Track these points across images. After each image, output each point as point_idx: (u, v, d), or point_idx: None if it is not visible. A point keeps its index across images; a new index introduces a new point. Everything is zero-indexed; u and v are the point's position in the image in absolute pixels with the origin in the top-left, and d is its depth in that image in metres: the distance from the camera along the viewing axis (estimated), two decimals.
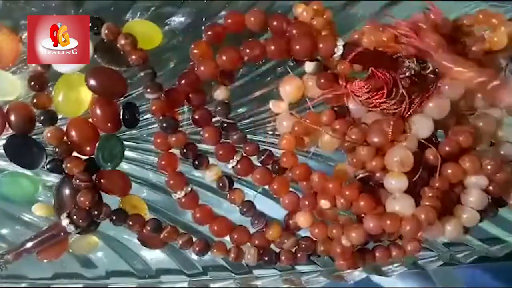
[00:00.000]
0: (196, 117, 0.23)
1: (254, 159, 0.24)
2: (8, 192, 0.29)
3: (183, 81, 0.22)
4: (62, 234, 0.24)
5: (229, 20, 0.23)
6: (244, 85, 0.29)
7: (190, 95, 0.23)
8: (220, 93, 0.23)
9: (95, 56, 0.23)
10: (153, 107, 0.22)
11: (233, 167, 0.23)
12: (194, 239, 0.24)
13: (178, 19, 0.27)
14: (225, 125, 0.23)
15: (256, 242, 0.24)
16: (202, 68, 0.22)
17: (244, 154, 0.24)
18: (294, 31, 0.22)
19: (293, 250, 0.24)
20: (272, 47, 0.22)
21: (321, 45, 0.22)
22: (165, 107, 0.22)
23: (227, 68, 0.23)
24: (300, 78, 0.24)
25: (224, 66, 0.22)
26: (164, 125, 0.22)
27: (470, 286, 0.35)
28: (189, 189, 0.23)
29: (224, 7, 0.27)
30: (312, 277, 0.29)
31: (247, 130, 0.31)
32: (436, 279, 0.35)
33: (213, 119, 0.23)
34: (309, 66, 0.24)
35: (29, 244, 0.24)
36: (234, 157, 0.23)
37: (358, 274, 0.29)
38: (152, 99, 0.22)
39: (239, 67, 0.24)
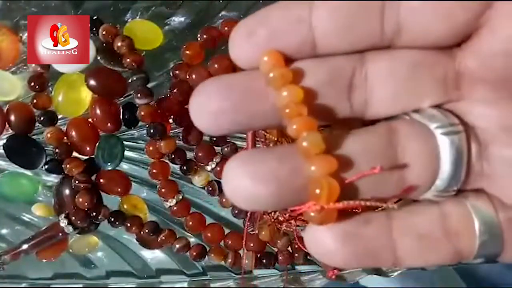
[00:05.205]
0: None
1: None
2: (8, 192, 0.29)
3: (175, 90, 0.22)
4: (60, 234, 0.24)
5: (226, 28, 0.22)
6: None
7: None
8: None
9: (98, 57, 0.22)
10: (142, 113, 0.21)
11: (212, 169, 0.23)
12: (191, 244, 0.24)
13: (178, 19, 0.27)
14: (215, 138, 0.23)
15: (251, 245, 0.24)
16: (194, 76, 0.22)
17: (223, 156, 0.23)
18: None
19: (290, 249, 0.24)
20: None
21: None
22: (155, 113, 0.22)
23: None
24: None
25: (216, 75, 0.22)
26: (152, 131, 0.22)
27: (470, 286, 0.35)
28: (181, 197, 0.23)
29: (224, 7, 0.27)
30: (312, 277, 0.29)
31: None
32: (436, 279, 0.35)
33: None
34: None
35: (27, 245, 0.24)
36: (214, 159, 0.23)
37: (358, 274, 0.29)
38: (141, 104, 0.21)
39: None
